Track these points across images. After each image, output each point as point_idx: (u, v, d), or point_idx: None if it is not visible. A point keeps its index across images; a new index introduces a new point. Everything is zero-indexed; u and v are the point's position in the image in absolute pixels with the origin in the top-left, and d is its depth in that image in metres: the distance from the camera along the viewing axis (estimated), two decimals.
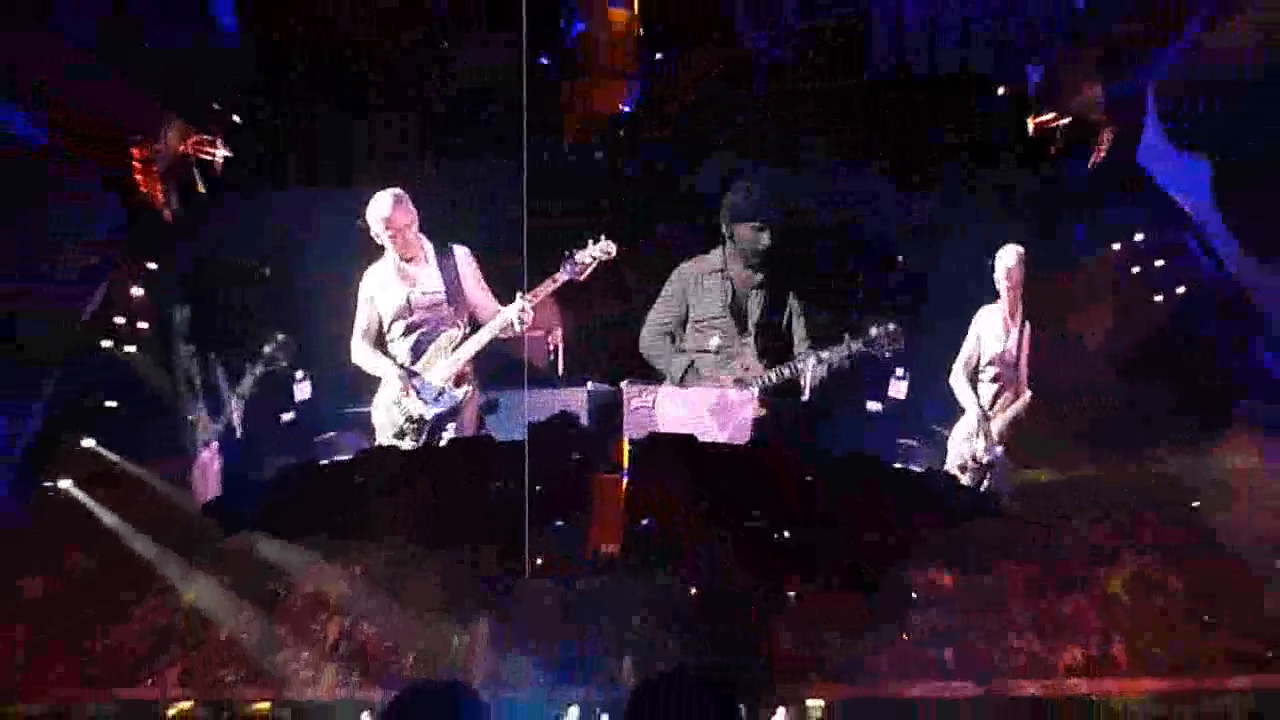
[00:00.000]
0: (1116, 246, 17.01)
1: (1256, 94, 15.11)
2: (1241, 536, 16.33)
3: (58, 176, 15.23)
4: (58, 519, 17.35)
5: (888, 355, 14.41)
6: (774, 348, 14.79)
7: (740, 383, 14.43)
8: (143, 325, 16.64)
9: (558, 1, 15.16)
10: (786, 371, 14.36)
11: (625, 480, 16.65)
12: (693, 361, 14.83)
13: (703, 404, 14.25)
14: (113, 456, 16.98)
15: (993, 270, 15.11)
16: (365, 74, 15.27)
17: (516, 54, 13.04)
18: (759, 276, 14.76)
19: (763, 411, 14.32)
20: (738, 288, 14.81)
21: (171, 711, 16.96)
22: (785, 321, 14.90)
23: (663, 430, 14.43)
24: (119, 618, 17.43)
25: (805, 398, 14.25)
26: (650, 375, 15.00)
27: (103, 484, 17.25)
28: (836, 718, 15.06)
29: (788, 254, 14.82)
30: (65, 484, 17.15)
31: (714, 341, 14.82)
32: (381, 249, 13.94)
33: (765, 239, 14.47)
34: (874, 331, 14.22)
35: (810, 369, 14.16)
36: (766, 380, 14.45)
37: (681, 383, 14.76)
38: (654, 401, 14.50)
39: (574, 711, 14.34)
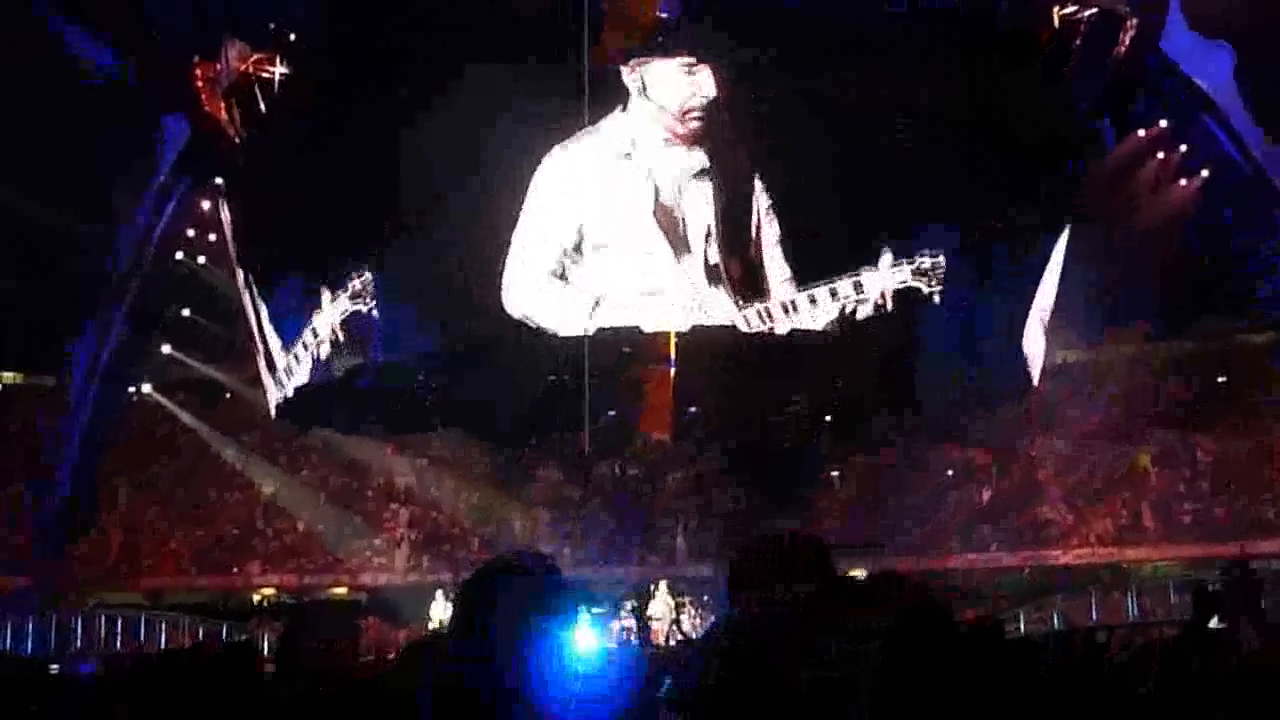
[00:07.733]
0: (1141, 133, 17.44)
1: None
2: (1267, 409, 16.97)
3: (132, 97, 15.95)
4: (143, 422, 18.38)
5: (929, 294, 10.46)
6: (735, 275, 9.72)
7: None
8: (212, 238, 17.47)
9: None
10: (788, 317, 9.61)
11: (673, 371, 17.50)
12: (599, 300, 9.86)
13: None
14: (190, 360, 17.93)
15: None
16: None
17: None
18: (698, 157, 9.57)
19: None
20: (662, 179, 9.71)
21: (256, 597, 18.09)
22: (750, 229, 9.77)
23: None
24: (204, 512, 18.54)
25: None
26: None
27: (182, 387, 18.22)
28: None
29: (750, 118, 8.99)
30: (147, 388, 18.15)
31: (632, 271, 9.50)
32: None
33: (706, 86, 9.10)
34: (927, 262, 10.01)
35: (822, 309, 9.84)
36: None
37: (595, 335, 9.64)
38: None
39: (664, 585, 14.99)
